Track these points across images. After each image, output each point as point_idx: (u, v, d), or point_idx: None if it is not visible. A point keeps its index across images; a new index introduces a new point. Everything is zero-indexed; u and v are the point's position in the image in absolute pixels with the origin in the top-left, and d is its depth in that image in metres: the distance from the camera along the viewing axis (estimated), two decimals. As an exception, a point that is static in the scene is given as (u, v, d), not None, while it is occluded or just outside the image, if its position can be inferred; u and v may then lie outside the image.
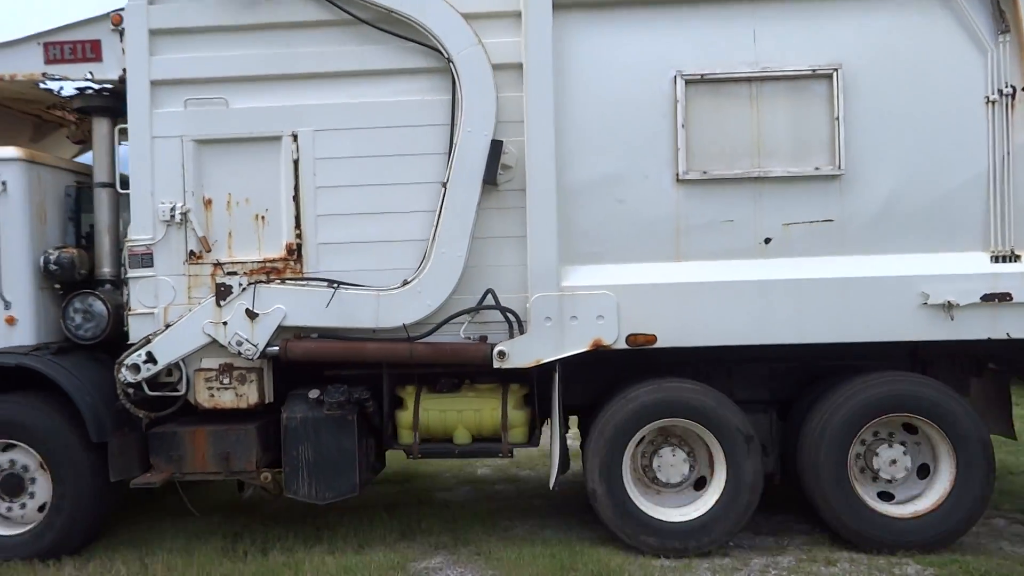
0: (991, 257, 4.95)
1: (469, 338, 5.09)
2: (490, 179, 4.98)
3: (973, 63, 4.84)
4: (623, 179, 5.08)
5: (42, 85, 5.68)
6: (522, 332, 5.03)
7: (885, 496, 5.18)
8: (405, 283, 5.08)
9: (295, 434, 5.22)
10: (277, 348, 5.15)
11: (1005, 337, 4.89)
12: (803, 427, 5.10)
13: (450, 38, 4.97)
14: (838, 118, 4.92)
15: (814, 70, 4.94)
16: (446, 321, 5.06)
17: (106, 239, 5.63)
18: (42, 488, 5.33)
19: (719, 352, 5.08)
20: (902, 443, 5.11)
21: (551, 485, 5.18)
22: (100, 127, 5.64)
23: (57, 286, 5.54)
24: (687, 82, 4.97)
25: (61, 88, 5.76)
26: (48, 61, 5.45)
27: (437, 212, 5.03)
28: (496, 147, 4.98)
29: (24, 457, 5.33)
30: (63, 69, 5.46)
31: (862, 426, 5.02)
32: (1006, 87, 4.79)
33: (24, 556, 5.23)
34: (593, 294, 5.02)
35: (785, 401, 5.44)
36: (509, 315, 5.05)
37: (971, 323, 4.89)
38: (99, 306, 5.43)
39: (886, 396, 5.02)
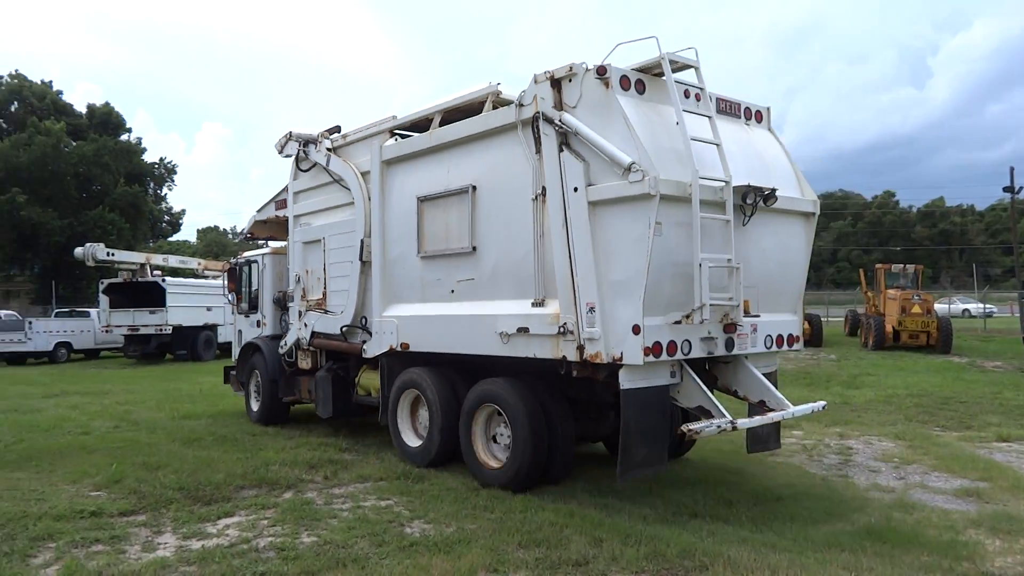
0: (531, 303, 6.92)
1: (363, 342, 9.08)
2: (361, 258, 8.95)
3: (528, 174, 6.88)
4: (403, 255, 8.43)
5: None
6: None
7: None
8: (341, 313, 9.48)
9: (317, 382, 10.18)
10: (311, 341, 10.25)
11: (533, 356, 6.87)
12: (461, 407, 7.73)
13: (354, 187, 9.13)
14: (472, 216, 7.50)
15: (464, 188, 7.59)
16: (350, 330, 9.30)
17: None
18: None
19: (439, 355, 8.00)
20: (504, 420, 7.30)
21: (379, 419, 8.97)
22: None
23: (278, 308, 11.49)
24: (419, 200, 8.15)
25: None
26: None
27: (354, 277, 9.16)
28: (363, 242, 8.93)
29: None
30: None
31: (476, 409, 7.49)
32: (538, 189, 6.76)
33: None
34: (389, 320, 8.57)
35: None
36: (367, 331, 9.02)
37: (516, 346, 7.00)
38: (286, 318, 11.13)
39: (482, 392, 7.42)
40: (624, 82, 6.42)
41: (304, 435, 10.02)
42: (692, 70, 6.68)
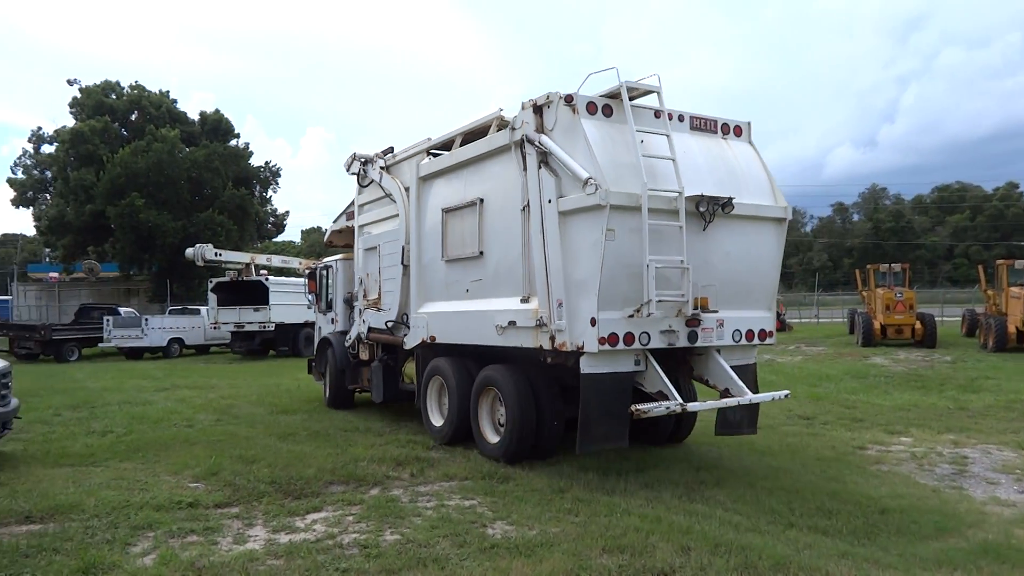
0: (520, 300, 7.93)
1: (404, 335, 10.36)
2: (403, 262, 10.26)
3: (519, 189, 7.86)
4: (433, 260, 9.60)
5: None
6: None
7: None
8: (389, 310, 10.73)
9: (372, 371, 11.63)
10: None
11: (520, 346, 7.89)
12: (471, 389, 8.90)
13: (399, 200, 10.43)
14: (480, 225, 8.60)
15: (474, 201, 8.69)
16: (395, 325, 10.56)
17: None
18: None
19: (458, 345, 9.25)
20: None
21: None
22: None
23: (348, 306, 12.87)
24: (443, 211, 9.32)
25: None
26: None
27: (398, 279, 10.44)
28: (404, 248, 10.21)
29: None
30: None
31: (481, 392, 8.72)
32: (525, 201, 7.75)
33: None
34: (422, 316, 9.82)
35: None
36: (407, 325, 10.23)
37: (508, 337, 8.04)
38: (353, 316, 12.41)
39: (485, 377, 8.62)
40: (591, 107, 7.38)
41: (393, 432, 10.15)
42: (656, 94, 7.68)
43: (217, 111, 48.65)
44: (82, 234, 43.90)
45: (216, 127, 47.87)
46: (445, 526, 5.96)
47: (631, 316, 7.06)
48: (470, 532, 5.81)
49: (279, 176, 51.60)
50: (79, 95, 46.03)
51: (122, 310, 30.89)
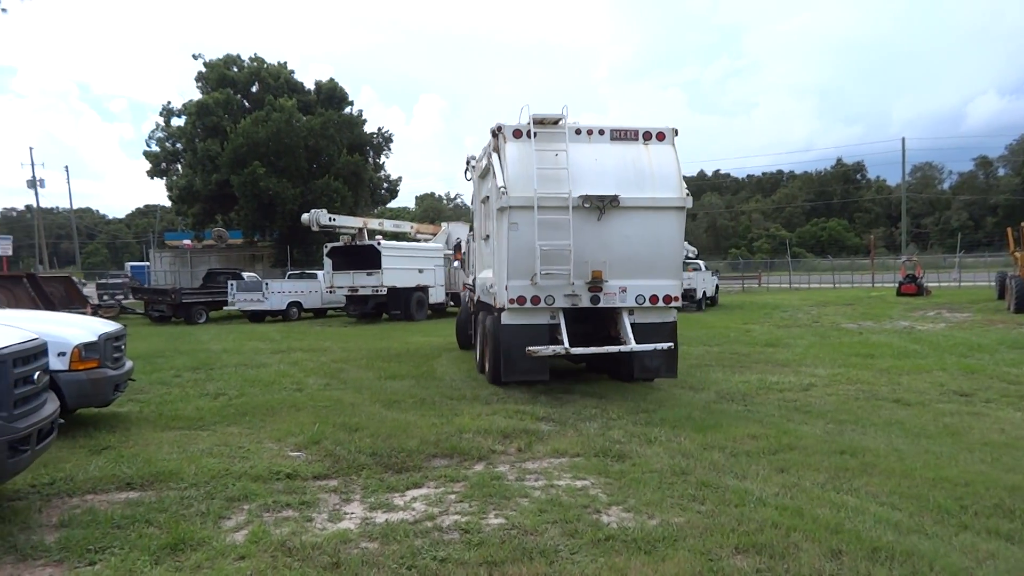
0: (491, 272, 10.89)
1: (472, 293, 13.91)
2: (473, 241, 14.19)
3: (491, 192, 11.05)
4: (480, 240, 12.30)
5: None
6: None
7: None
8: (474, 278, 13.23)
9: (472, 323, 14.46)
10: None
11: (490, 304, 11.03)
12: None
13: (474, 195, 13.37)
14: (485, 216, 11.89)
15: (484, 198, 11.66)
16: (472, 288, 13.83)
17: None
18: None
19: (484, 303, 11.61)
20: None
21: None
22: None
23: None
24: (480, 203, 12.34)
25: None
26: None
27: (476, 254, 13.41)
28: (473, 231, 14.10)
29: None
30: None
31: (485, 334, 11.50)
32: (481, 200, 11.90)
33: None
34: (476, 280, 12.77)
35: None
36: (473, 289, 13.19)
37: (489, 297, 11.35)
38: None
39: (481, 322, 11.84)
40: (517, 133, 9.97)
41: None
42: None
43: (332, 80, 49.58)
44: (209, 202, 46.03)
45: (331, 95, 48.78)
46: (554, 510, 5.38)
47: (532, 283, 9.76)
48: (582, 519, 5.20)
49: (391, 142, 52.22)
50: (204, 69, 47.91)
51: (245, 275, 32.07)
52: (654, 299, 10.08)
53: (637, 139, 10.25)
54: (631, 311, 10.12)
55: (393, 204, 65.54)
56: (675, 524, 5.07)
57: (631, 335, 9.88)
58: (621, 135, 10.23)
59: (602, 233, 9.83)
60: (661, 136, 10.30)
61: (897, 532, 4.88)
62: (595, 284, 9.88)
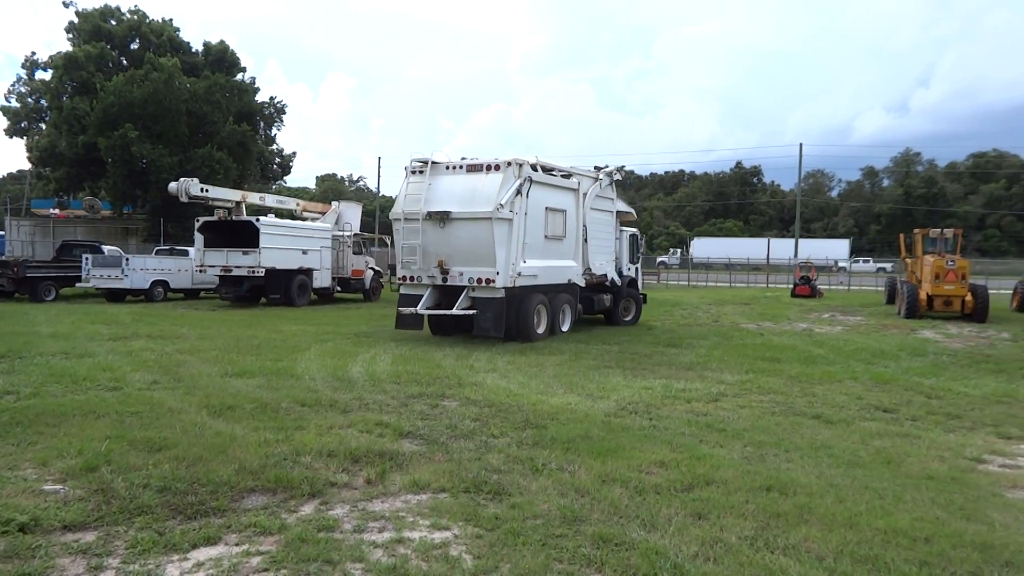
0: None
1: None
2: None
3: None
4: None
5: None
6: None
7: None
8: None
9: None
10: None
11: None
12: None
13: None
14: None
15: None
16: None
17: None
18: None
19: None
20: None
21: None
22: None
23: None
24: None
25: None
26: None
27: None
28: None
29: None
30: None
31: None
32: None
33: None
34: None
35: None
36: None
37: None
38: None
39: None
40: (412, 170, 14.78)
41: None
42: (444, 160, 14.92)
43: (222, 42, 46.03)
44: (76, 167, 41.79)
45: (220, 59, 45.28)
46: (395, 588, 3.78)
47: (405, 268, 14.66)
48: (431, 604, 3.62)
49: (284, 113, 49.10)
50: (75, 19, 43.50)
51: (106, 249, 28.82)
52: (479, 280, 14.18)
53: (481, 170, 14.28)
54: (473, 288, 14.28)
55: (292, 184, 62.19)
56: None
57: (462, 303, 14.39)
58: (474, 168, 14.40)
59: (445, 236, 14.30)
60: (497, 167, 14.17)
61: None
62: (443, 269, 14.40)
